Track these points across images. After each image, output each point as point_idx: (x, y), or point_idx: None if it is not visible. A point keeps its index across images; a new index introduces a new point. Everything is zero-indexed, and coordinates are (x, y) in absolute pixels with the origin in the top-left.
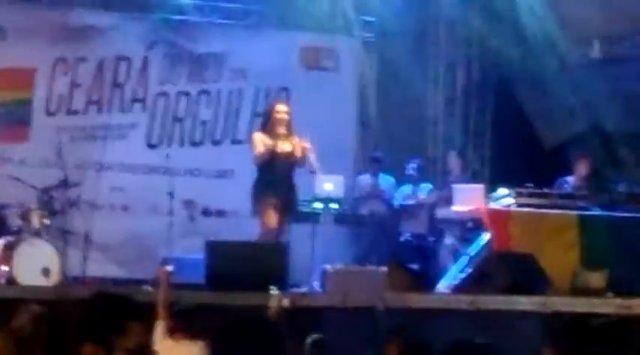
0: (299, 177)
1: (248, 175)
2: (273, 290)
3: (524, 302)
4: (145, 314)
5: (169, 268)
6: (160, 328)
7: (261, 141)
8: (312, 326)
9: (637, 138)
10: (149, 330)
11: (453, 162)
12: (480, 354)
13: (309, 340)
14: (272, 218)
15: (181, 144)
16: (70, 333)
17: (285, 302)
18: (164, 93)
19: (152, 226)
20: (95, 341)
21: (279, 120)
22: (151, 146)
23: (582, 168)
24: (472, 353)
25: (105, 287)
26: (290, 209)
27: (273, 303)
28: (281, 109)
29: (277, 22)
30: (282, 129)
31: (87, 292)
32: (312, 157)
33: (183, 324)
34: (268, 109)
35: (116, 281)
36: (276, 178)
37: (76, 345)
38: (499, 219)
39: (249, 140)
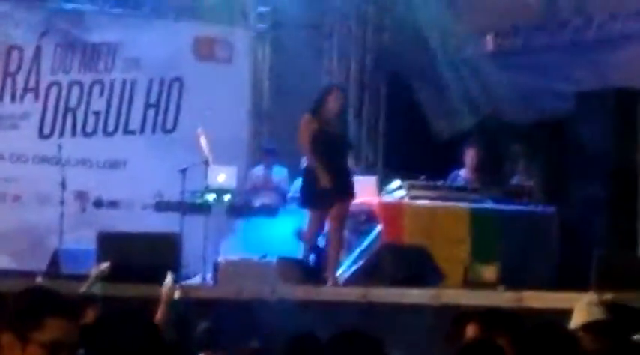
0: (192, 169)
1: (140, 166)
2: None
3: (416, 295)
4: (70, 311)
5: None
6: None
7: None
8: (205, 317)
9: (529, 130)
10: (72, 327)
11: None
12: (365, 345)
13: (199, 327)
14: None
15: (74, 134)
16: None
17: (178, 294)
18: (56, 83)
19: (44, 217)
20: (12, 331)
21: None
22: (43, 136)
23: (470, 159)
24: (357, 343)
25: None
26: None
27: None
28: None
29: (171, 12)
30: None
31: None
32: (205, 148)
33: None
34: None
35: (7, 273)
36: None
37: None
38: (392, 211)
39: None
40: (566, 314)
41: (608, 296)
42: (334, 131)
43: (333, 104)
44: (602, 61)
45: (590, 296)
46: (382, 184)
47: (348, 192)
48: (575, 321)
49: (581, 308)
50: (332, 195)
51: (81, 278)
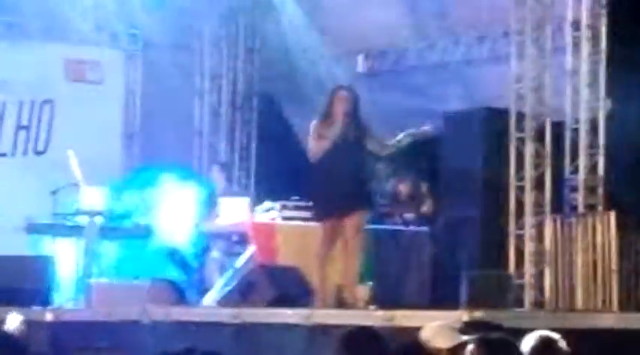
0: (63, 190)
1: (11, 188)
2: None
3: (289, 315)
4: None
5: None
6: None
7: None
8: (78, 340)
9: (399, 150)
10: None
11: (217, 175)
12: None
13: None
14: None
15: None
16: None
17: (49, 317)
18: None
19: None
20: None
21: None
22: None
23: None
24: None
25: None
26: None
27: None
28: None
29: (40, 35)
30: None
31: None
32: (76, 170)
33: None
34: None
35: None
36: None
37: None
38: (264, 232)
39: None
40: None
41: (477, 314)
42: (346, 136)
43: (338, 107)
44: (470, 81)
45: (457, 316)
46: (254, 206)
47: (359, 202)
48: (439, 342)
49: (442, 329)
50: (332, 204)
51: None
